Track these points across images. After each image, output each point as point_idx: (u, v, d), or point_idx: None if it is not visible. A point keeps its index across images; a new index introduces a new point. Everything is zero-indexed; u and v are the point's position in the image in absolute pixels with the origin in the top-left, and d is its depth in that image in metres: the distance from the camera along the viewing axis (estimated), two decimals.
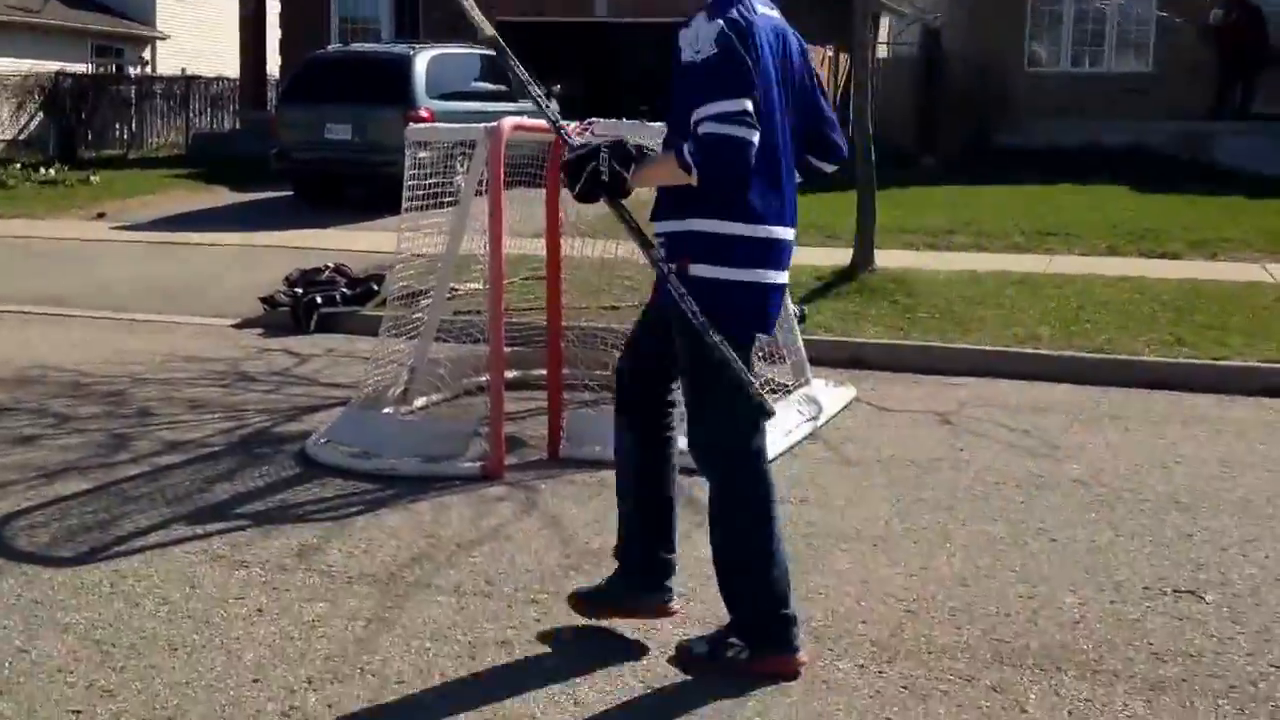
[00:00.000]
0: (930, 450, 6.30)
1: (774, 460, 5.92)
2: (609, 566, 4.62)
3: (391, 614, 4.30)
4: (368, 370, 6.80)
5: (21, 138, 25.06)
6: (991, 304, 9.38)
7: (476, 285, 7.49)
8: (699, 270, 3.71)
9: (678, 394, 4.01)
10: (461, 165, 6.71)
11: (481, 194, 6.16)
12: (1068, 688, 3.80)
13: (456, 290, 7.31)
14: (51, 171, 19.91)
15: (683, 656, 3.91)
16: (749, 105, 3.56)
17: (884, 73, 21.07)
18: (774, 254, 3.79)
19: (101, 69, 30.45)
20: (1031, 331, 8.59)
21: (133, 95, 26.42)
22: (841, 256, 10.53)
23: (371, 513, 5.35)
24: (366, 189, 15.62)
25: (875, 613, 4.33)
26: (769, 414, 3.75)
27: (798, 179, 3.93)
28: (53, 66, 26.66)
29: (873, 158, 10.35)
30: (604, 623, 4.18)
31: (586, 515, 5.27)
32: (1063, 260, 11.42)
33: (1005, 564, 4.78)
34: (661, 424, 4.02)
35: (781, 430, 6.34)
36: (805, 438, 6.43)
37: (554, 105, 16.70)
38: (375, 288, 9.62)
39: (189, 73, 28.45)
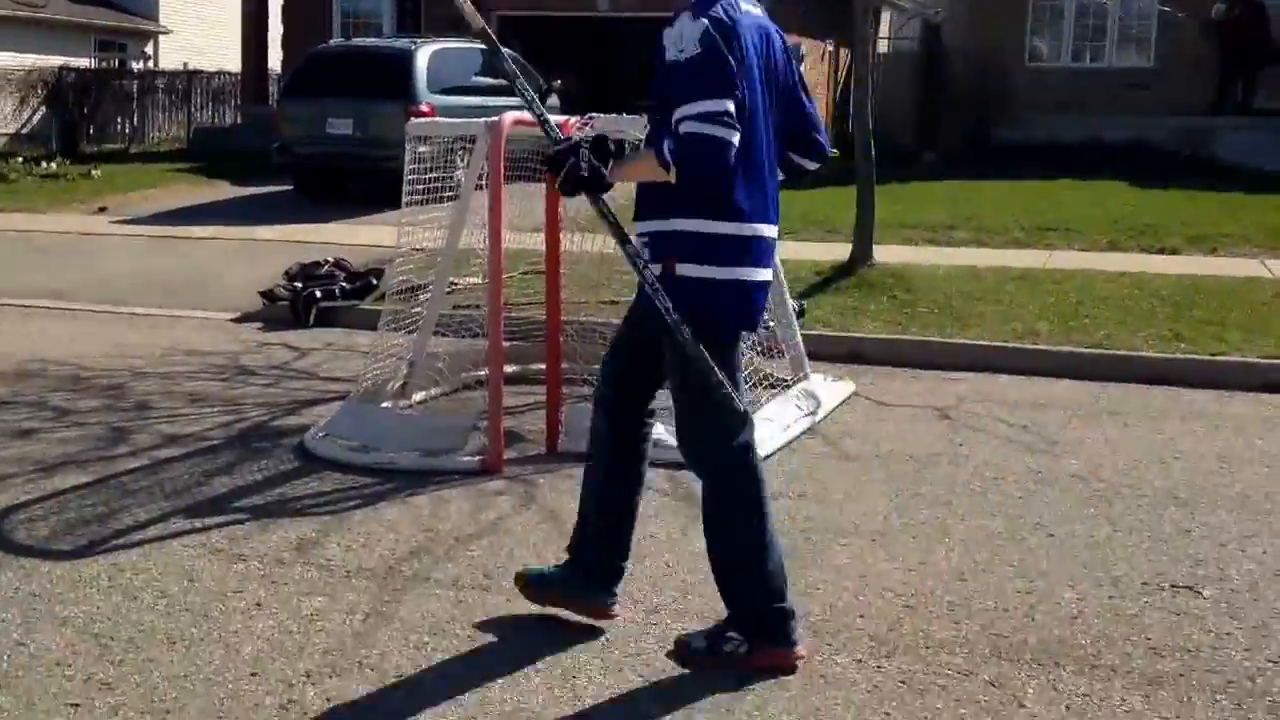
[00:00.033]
0: (929, 445, 6.31)
1: (772, 455, 5.97)
2: None
3: (390, 608, 4.30)
4: (367, 364, 6.81)
5: (24, 132, 25.07)
6: (991, 299, 9.37)
7: (476, 280, 7.49)
8: (685, 270, 3.73)
9: (656, 405, 4.05)
10: (462, 160, 6.72)
11: (481, 188, 6.17)
12: (1066, 683, 3.81)
13: (456, 285, 7.31)
14: (53, 165, 19.93)
15: (681, 651, 3.92)
16: (730, 106, 3.59)
17: (884, 68, 21.08)
18: (759, 252, 3.81)
19: (105, 64, 30.45)
20: (1030, 327, 8.59)
21: (135, 90, 26.44)
22: (841, 251, 10.53)
23: (370, 506, 5.35)
24: (367, 183, 15.61)
25: (873, 608, 4.33)
26: (741, 415, 3.76)
27: (780, 177, 3.95)
28: (56, 61, 26.66)
29: (873, 153, 10.33)
30: (605, 618, 4.19)
31: None
32: (1062, 256, 11.42)
33: (1003, 559, 4.79)
34: (639, 434, 4.06)
35: (780, 425, 6.35)
36: (804, 432, 6.43)
37: (554, 100, 16.75)
38: (374, 282, 9.63)
39: (191, 67, 28.47)
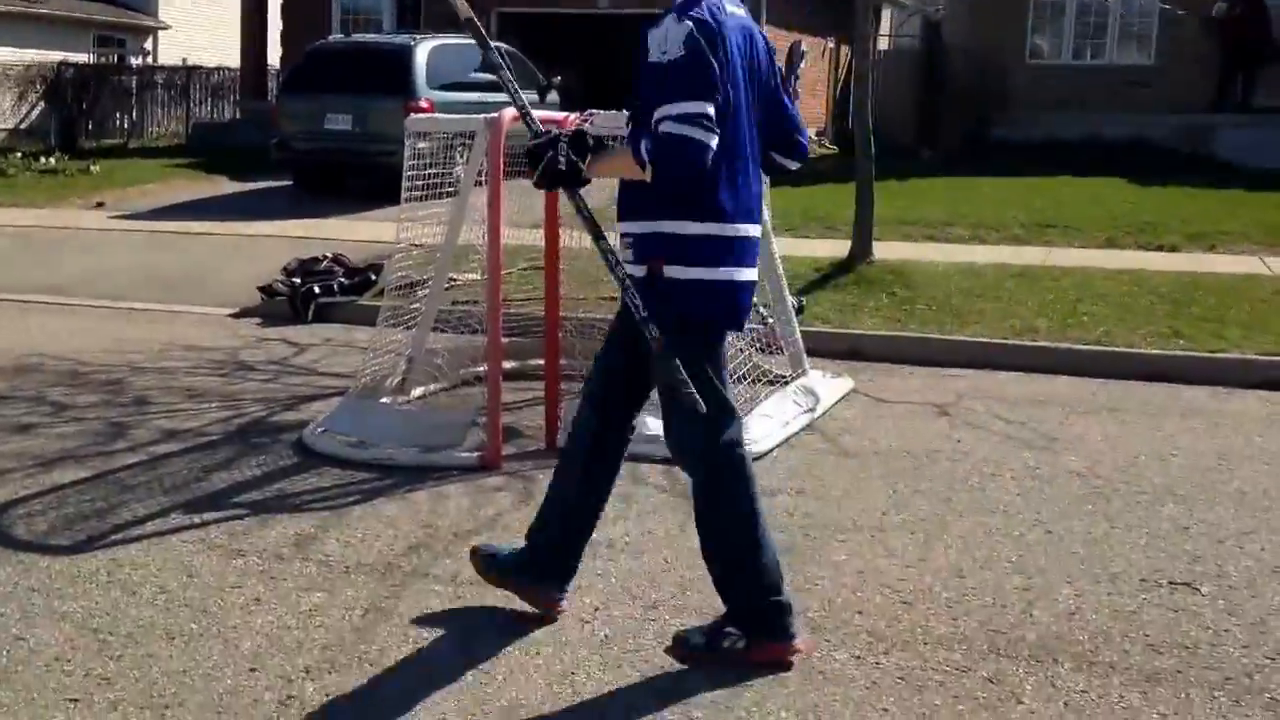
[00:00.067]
0: (927, 442, 6.31)
1: (771, 451, 5.97)
2: (604, 556, 4.64)
3: (389, 603, 4.30)
4: (365, 360, 6.80)
5: (23, 127, 25.08)
6: (990, 296, 9.37)
7: (474, 275, 7.49)
8: (673, 272, 3.73)
9: (640, 414, 4.06)
10: (461, 156, 6.71)
11: (481, 184, 6.17)
12: (1063, 679, 3.81)
13: (455, 280, 7.31)
14: (52, 160, 19.91)
15: (680, 647, 3.92)
16: (710, 109, 3.59)
17: (884, 65, 21.07)
18: (743, 252, 3.82)
19: (104, 59, 30.43)
20: (1029, 324, 8.59)
21: (134, 85, 26.45)
22: (840, 248, 10.52)
23: (369, 502, 5.35)
24: (366, 179, 15.62)
25: (872, 603, 4.34)
26: (703, 412, 3.75)
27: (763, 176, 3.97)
28: (56, 56, 26.66)
29: (872, 150, 10.33)
30: (606, 613, 4.19)
31: None
32: (1061, 253, 11.42)
33: (1002, 555, 4.79)
34: (623, 433, 4.07)
35: (779, 421, 6.35)
36: (803, 429, 6.43)
37: (554, 97, 16.71)
38: (373, 277, 9.63)
39: (190, 63, 28.44)
